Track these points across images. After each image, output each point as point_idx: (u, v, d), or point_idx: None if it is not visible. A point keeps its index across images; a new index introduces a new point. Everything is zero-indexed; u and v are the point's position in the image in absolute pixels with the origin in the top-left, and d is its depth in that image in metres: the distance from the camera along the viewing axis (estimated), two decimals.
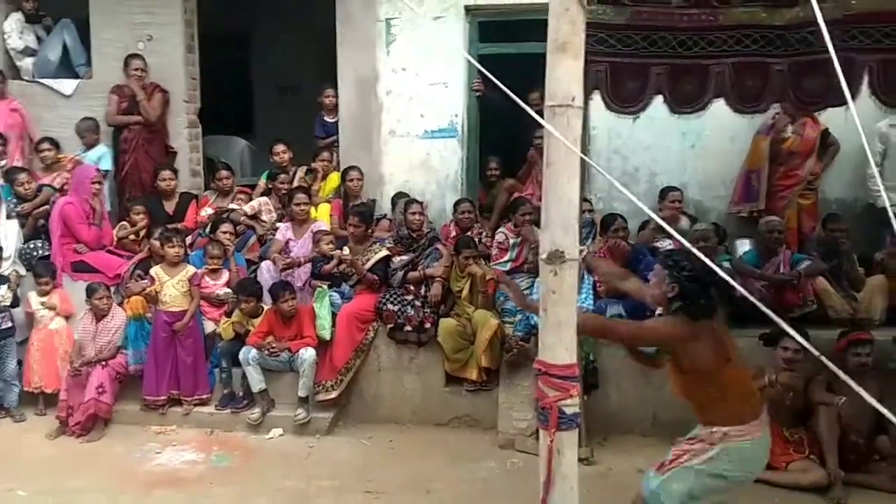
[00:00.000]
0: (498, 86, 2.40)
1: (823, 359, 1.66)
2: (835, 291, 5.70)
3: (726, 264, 5.86)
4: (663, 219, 6.14)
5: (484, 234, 6.67)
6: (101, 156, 7.11)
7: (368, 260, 6.12)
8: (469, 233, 6.54)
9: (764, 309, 1.68)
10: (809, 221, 6.38)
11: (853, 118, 5.36)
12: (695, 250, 2.01)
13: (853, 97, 4.72)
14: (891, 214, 1.53)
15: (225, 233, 6.45)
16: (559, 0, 2.13)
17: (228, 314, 6.12)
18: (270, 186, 7.19)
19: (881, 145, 6.44)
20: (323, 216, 6.84)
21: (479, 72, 7.09)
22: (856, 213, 6.57)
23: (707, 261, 1.89)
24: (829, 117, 6.02)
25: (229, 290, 6.20)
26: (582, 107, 2.16)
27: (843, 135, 6.25)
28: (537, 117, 2.08)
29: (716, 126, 6.48)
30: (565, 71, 2.11)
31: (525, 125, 5.47)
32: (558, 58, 2.10)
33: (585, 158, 2.10)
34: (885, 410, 1.72)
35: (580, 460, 5.02)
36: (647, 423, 5.56)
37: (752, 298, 1.85)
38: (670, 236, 6.07)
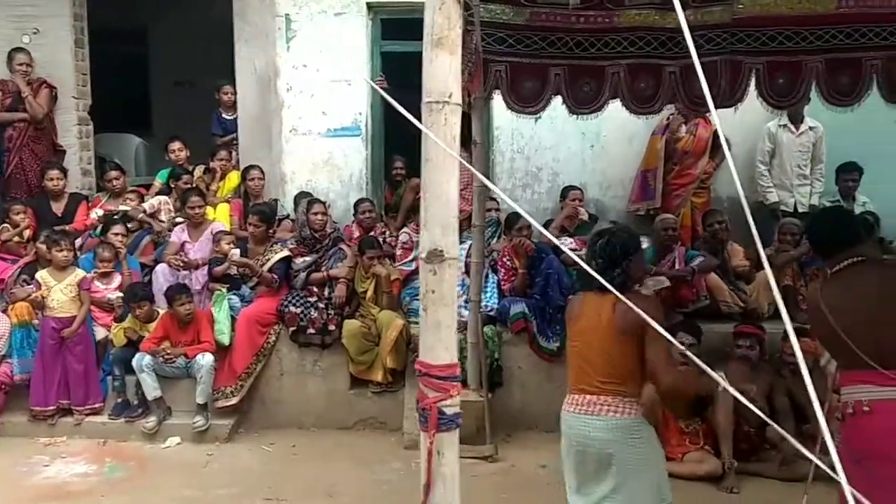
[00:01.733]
0: (394, 83, 2.35)
1: (690, 354, 1.68)
2: (726, 286, 5.89)
3: None
4: (565, 216, 6.35)
5: (388, 233, 6.62)
6: None
7: (268, 260, 5.98)
8: (372, 233, 6.48)
9: (638, 310, 1.69)
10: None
11: (743, 119, 5.55)
12: (570, 252, 2.01)
13: (741, 99, 4.91)
14: (746, 209, 1.55)
15: (116, 234, 6.19)
16: None
17: (119, 319, 5.87)
18: (172, 186, 6.94)
19: (770, 144, 6.71)
20: (222, 217, 6.64)
21: (383, 69, 7.05)
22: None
23: (578, 259, 1.89)
24: (721, 118, 6.22)
25: (121, 294, 5.95)
26: (460, 104, 2.13)
27: (733, 135, 6.46)
28: (411, 118, 2.04)
29: (614, 127, 6.63)
30: (441, 66, 2.07)
31: None
32: (434, 53, 2.07)
33: (459, 158, 2.07)
34: (753, 407, 1.75)
35: (485, 458, 5.11)
36: (551, 420, 5.47)
37: (622, 298, 1.86)
38: (571, 234, 6.22)
